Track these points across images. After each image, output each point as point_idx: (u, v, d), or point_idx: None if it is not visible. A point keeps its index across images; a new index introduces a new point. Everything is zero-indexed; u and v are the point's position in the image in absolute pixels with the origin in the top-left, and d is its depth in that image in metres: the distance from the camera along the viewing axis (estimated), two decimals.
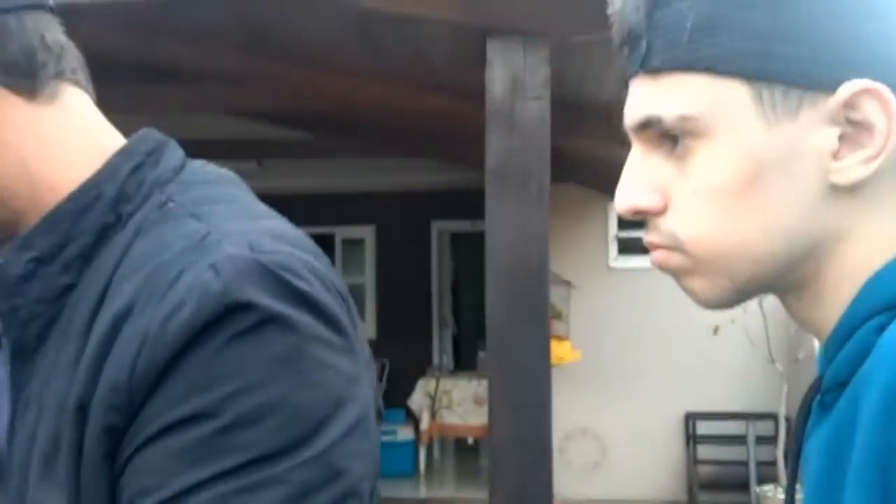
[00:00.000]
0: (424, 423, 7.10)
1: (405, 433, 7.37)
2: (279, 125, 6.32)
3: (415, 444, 7.40)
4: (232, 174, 0.76)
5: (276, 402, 0.59)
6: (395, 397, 7.36)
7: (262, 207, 0.72)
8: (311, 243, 0.68)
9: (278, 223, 0.69)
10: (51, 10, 0.71)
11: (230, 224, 0.66)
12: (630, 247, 7.05)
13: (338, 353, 0.63)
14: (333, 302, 0.64)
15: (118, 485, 0.61)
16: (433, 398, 7.10)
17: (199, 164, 0.75)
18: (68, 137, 0.69)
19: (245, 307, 0.59)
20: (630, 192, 0.63)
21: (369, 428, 0.64)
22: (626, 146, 0.65)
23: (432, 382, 7.19)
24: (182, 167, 0.73)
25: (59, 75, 0.70)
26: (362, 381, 0.65)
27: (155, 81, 4.76)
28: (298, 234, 0.68)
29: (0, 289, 0.67)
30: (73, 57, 0.72)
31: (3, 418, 0.70)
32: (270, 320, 0.60)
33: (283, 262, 0.62)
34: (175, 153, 0.74)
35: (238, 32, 3.82)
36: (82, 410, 0.61)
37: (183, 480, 0.57)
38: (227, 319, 0.59)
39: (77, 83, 0.72)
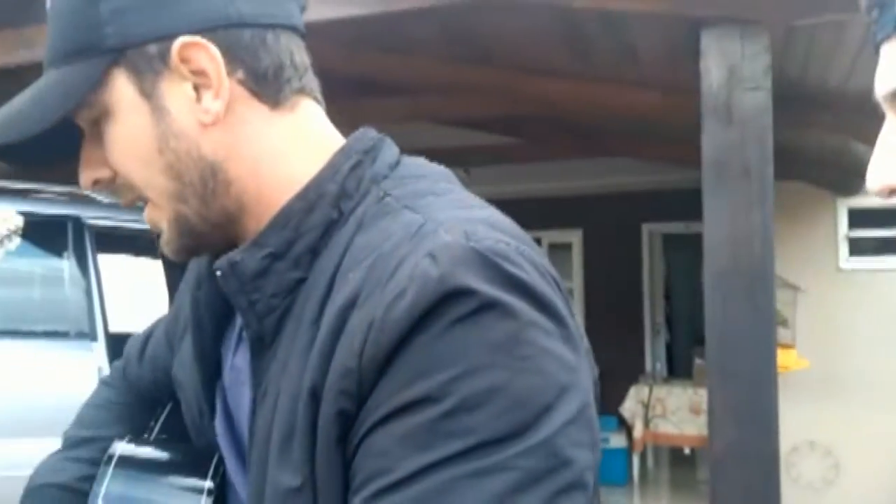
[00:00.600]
0: (638, 432, 6.93)
1: (617, 441, 7.22)
2: (486, 131, 6.41)
3: (628, 452, 7.23)
4: (444, 168, 0.78)
5: (497, 388, 0.58)
6: (606, 404, 7.22)
7: (475, 199, 0.73)
8: (523, 233, 0.68)
9: (491, 213, 0.70)
10: (302, 35, 0.76)
11: (445, 214, 0.67)
12: (862, 247, 6.51)
13: (556, 340, 0.62)
14: (549, 289, 0.64)
15: (350, 468, 0.62)
16: (646, 406, 6.91)
17: (413, 160, 0.77)
18: (301, 142, 0.74)
19: (463, 293, 0.60)
20: (885, 169, 0.56)
21: (591, 418, 0.63)
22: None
23: (645, 390, 7.01)
24: (397, 163, 0.75)
25: (301, 91, 0.74)
26: (582, 370, 0.64)
27: (365, 94, 4.98)
28: (511, 224, 0.69)
29: (238, 285, 0.70)
30: (312, 78, 0.77)
31: (246, 406, 0.75)
32: (489, 306, 0.60)
33: (498, 250, 0.62)
34: (390, 150, 0.76)
35: (446, 42, 3.91)
36: (315, 396, 0.64)
37: (410, 464, 0.58)
38: (446, 305, 0.59)
39: (315, 98, 0.76)
